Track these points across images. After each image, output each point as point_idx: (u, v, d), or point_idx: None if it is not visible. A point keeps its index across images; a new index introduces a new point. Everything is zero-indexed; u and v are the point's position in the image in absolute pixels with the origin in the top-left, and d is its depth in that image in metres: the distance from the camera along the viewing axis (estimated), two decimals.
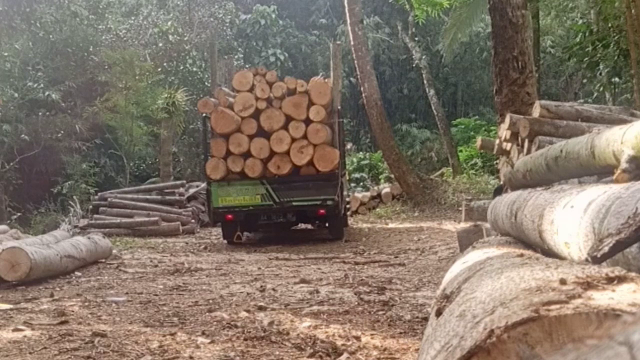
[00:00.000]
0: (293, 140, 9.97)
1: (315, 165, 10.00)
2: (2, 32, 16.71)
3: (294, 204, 10.06)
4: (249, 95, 10.13)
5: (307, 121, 10.01)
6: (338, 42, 13.19)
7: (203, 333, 4.13)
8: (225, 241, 10.59)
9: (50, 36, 17.54)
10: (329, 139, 10.12)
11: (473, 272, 1.80)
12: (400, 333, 4.07)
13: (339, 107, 10.85)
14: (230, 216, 10.25)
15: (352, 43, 15.15)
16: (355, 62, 15.22)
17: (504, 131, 6.40)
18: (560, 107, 6.18)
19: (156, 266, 7.87)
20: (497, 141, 6.88)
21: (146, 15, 20.62)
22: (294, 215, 10.39)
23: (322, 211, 10.10)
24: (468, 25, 17.72)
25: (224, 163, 10.05)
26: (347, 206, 12.45)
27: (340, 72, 11.55)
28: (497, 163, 10.19)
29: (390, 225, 12.84)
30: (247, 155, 10.06)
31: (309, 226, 11.80)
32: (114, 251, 8.82)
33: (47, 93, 16.51)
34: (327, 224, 10.90)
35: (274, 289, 5.84)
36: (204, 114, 10.45)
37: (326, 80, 10.86)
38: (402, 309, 4.81)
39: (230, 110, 10.06)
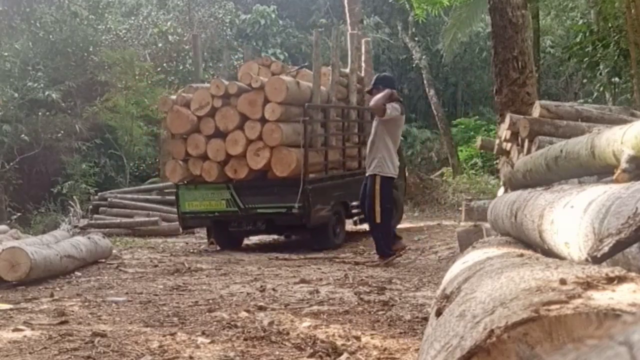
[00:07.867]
0: (249, 141, 9.09)
1: (273, 169, 9.10)
2: (2, 32, 16.73)
3: (259, 210, 9.18)
4: (205, 92, 9.35)
5: (263, 120, 9.06)
6: (320, 29, 12.39)
7: (203, 333, 4.13)
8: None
9: (50, 36, 17.56)
10: (287, 141, 9.05)
11: (473, 272, 1.80)
12: (400, 333, 4.07)
13: (329, 101, 9.78)
14: (198, 222, 9.84)
15: None
16: None
17: (504, 131, 6.40)
18: (560, 107, 6.18)
19: (156, 266, 7.86)
20: (497, 141, 6.88)
21: (146, 15, 20.64)
22: (264, 223, 9.41)
23: (288, 220, 9.21)
24: (468, 25, 17.74)
25: (182, 165, 9.42)
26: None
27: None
28: (497, 163, 10.17)
29: None
30: (205, 157, 9.34)
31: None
32: (114, 251, 8.81)
33: (47, 93, 16.51)
34: (311, 234, 9.63)
35: (274, 289, 5.84)
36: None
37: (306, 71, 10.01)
38: (402, 309, 4.81)
39: (186, 109, 9.34)
